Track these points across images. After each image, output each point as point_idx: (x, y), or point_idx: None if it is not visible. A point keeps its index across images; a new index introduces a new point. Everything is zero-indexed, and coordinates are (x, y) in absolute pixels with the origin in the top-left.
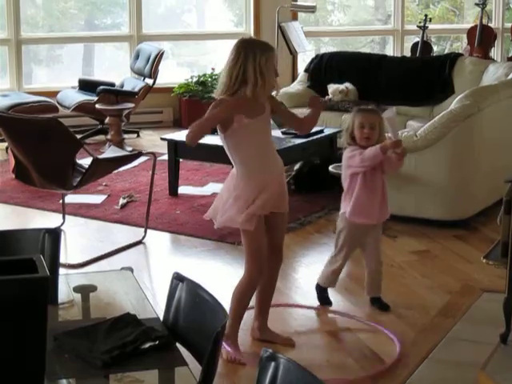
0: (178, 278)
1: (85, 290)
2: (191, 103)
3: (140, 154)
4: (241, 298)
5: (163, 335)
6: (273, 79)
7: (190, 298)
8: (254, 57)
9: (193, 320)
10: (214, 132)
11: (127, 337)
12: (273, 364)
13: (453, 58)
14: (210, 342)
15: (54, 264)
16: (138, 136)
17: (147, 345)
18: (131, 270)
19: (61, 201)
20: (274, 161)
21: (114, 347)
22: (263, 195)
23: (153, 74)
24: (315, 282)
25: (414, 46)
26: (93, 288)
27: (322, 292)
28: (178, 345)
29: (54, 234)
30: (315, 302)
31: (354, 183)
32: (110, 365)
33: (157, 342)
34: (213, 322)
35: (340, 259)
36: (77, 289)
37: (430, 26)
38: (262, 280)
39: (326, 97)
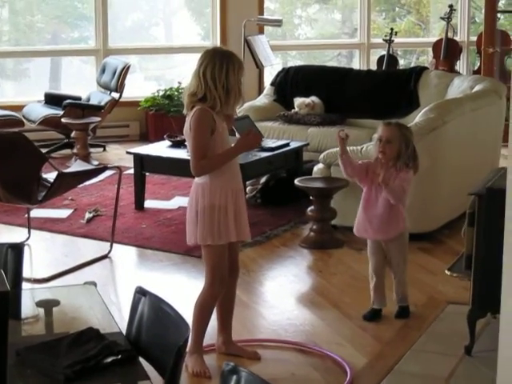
0: (141, 292)
1: (48, 305)
2: (158, 117)
3: (106, 168)
4: (203, 311)
5: (126, 349)
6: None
7: (153, 312)
8: (234, 70)
9: (155, 334)
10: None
11: (90, 351)
12: (234, 377)
13: (418, 71)
14: (173, 356)
15: (17, 279)
16: (105, 150)
17: (110, 359)
18: (94, 284)
19: (26, 215)
20: (238, 171)
21: (77, 362)
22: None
23: (119, 87)
24: (281, 295)
25: (380, 60)
26: (56, 303)
27: (369, 313)
28: (140, 359)
29: (17, 249)
30: (281, 316)
31: None
32: (73, 379)
33: (119, 357)
34: (175, 337)
35: (372, 275)
36: (40, 303)
37: (396, 40)
38: (221, 294)
39: (293, 110)
